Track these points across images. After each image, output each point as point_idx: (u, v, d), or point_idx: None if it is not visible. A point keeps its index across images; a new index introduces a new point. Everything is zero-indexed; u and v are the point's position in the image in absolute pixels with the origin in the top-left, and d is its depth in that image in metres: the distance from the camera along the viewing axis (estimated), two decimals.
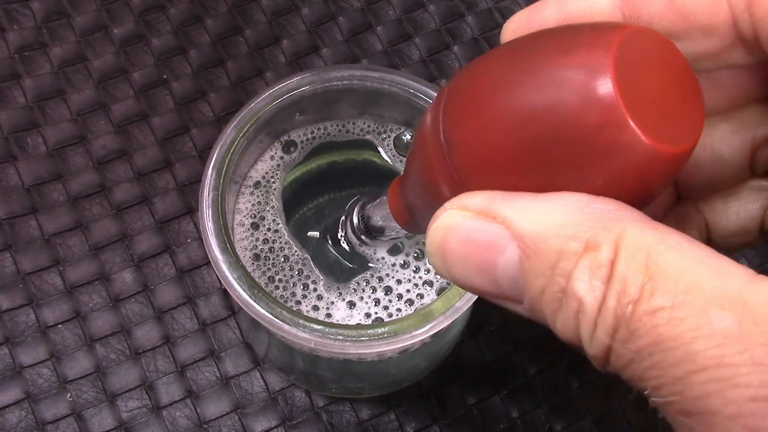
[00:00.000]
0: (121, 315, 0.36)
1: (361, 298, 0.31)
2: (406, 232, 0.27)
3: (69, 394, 0.35)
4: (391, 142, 0.33)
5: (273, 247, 0.32)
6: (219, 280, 0.36)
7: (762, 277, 0.15)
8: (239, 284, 0.27)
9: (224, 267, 0.27)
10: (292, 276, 0.31)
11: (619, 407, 0.37)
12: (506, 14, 0.44)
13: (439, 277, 0.31)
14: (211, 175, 0.29)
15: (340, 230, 0.32)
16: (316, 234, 0.32)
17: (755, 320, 0.15)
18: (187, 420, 0.35)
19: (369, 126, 0.33)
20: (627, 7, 0.20)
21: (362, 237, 0.30)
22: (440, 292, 0.31)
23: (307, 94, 0.30)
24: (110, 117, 0.40)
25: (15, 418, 0.34)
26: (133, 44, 0.41)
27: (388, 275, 0.31)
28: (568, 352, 0.37)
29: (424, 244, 0.32)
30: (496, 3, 0.44)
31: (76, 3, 0.42)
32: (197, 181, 0.39)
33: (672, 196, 0.24)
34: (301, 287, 0.31)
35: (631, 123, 0.16)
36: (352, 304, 0.31)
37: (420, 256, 0.32)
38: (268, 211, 0.32)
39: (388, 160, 0.33)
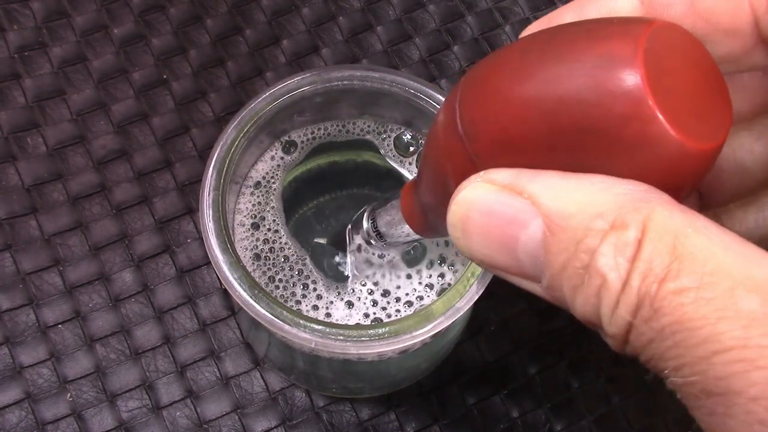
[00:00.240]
0: (121, 315, 0.36)
1: (359, 298, 0.31)
2: (417, 237, 0.27)
3: (69, 394, 0.35)
4: (392, 142, 0.33)
5: (273, 247, 0.32)
6: (219, 280, 0.36)
7: None
8: (240, 284, 0.27)
9: (225, 267, 0.27)
10: (292, 276, 0.31)
11: (619, 407, 0.37)
12: (506, 14, 0.44)
13: (439, 278, 0.31)
14: (212, 176, 0.29)
15: (350, 240, 0.31)
16: (322, 241, 0.32)
17: None
18: (187, 420, 0.35)
19: (369, 126, 0.33)
20: (648, 11, 0.20)
21: (372, 242, 0.30)
22: (440, 293, 0.31)
23: (307, 94, 0.30)
24: (110, 117, 0.40)
25: (15, 418, 0.34)
26: (133, 44, 0.41)
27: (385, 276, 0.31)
28: (568, 352, 0.37)
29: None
30: (496, 3, 0.44)
31: (76, 3, 0.42)
32: (197, 181, 0.39)
33: (696, 206, 0.24)
34: (301, 287, 0.31)
35: (660, 116, 0.16)
36: (350, 304, 0.31)
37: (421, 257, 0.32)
38: (269, 211, 0.32)
39: (389, 160, 0.33)
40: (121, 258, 0.37)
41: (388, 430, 0.36)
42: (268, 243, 0.32)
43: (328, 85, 0.30)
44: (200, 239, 0.38)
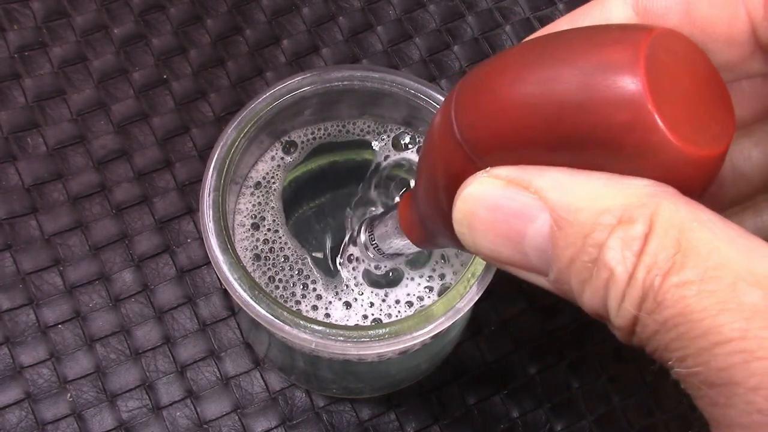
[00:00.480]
0: (121, 315, 0.36)
1: (356, 299, 0.31)
2: (416, 249, 0.27)
3: (69, 394, 0.35)
4: (391, 142, 0.33)
5: (273, 248, 0.32)
6: (219, 280, 0.36)
7: None
8: (240, 285, 0.27)
9: (225, 267, 0.27)
10: (292, 276, 0.31)
11: (619, 407, 0.37)
12: (506, 14, 0.44)
13: (439, 278, 0.31)
14: (212, 176, 0.29)
15: (345, 251, 0.31)
16: (320, 255, 0.32)
17: None
18: (187, 420, 0.35)
19: (369, 126, 0.33)
20: (643, 21, 0.20)
21: (370, 254, 0.30)
22: (440, 294, 0.31)
23: (307, 95, 0.30)
24: (110, 117, 0.40)
25: (15, 418, 0.34)
26: (133, 44, 0.41)
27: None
28: (568, 352, 0.37)
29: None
30: (496, 3, 0.44)
31: (76, 3, 0.42)
32: (197, 181, 0.39)
33: None
34: (301, 287, 0.31)
35: (661, 125, 0.16)
36: (348, 305, 0.31)
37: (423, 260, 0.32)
38: (269, 211, 0.32)
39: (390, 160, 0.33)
40: (121, 258, 0.37)
41: (388, 430, 0.36)
42: (268, 243, 0.32)
43: (328, 85, 0.30)
44: (200, 239, 0.38)
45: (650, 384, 0.37)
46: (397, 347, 0.27)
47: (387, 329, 0.27)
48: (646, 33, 0.16)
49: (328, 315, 0.31)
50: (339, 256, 0.32)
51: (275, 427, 0.35)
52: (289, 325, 0.26)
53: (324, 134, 0.33)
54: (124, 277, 0.37)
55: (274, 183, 0.33)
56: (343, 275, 0.31)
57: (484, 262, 0.27)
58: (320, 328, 0.26)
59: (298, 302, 0.31)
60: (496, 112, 0.18)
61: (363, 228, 0.30)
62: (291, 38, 0.42)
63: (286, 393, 0.36)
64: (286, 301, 0.31)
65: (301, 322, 0.26)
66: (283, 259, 0.31)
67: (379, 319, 0.31)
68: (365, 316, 0.31)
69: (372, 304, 0.31)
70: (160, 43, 0.41)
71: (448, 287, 0.30)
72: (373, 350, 0.26)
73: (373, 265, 0.31)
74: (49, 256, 0.37)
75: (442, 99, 0.30)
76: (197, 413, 0.35)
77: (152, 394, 0.35)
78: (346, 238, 0.32)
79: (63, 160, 0.39)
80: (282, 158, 0.33)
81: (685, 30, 0.19)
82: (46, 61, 0.40)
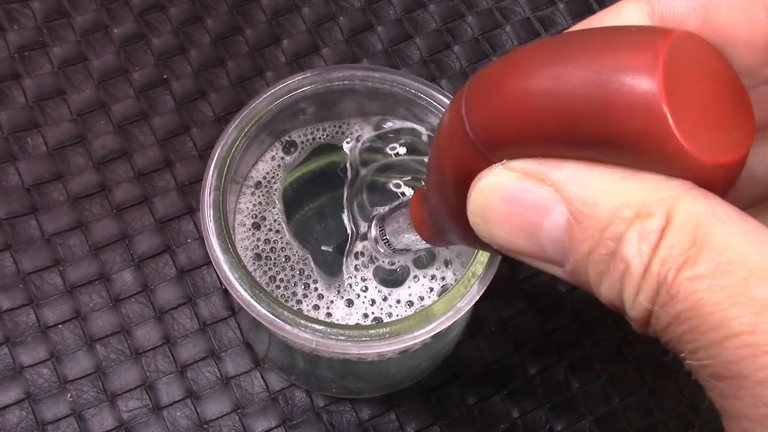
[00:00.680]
0: (122, 315, 0.36)
1: (358, 295, 0.31)
2: (426, 246, 0.27)
3: (69, 394, 0.35)
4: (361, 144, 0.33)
5: (274, 248, 0.32)
6: (219, 280, 0.36)
7: None
8: (240, 285, 0.27)
9: (226, 267, 0.27)
10: (293, 276, 0.31)
11: (619, 407, 0.37)
12: (507, 14, 0.44)
13: (440, 278, 0.31)
14: (213, 176, 0.29)
15: (351, 247, 0.31)
16: (329, 248, 0.32)
17: None
18: (188, 420, 0.35)
19: (363, 128, 0.33)
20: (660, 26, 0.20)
21: (381, 249, 0.30)
22: (441, 293, 0.31)
23: (308, 94, 0.30)
24: (110, 117, 0.40)
25: (15, 418, 0.34)
26: (133, 44, 0.41)
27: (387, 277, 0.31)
28: (568, 352, 0.37)
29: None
30: (496, 3, 0.44)
31: (76, 3, 0.42)
32: (197, 181, 0.39)
33: None
34: (302, 287, 0.31)
35: (677, 134, 0.16)
36: (350, 303, 0.31)
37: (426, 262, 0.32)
38: (269, 211, 0.32)
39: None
40: (122, 258, 0.37)
41: (388, 430, 0.36)
42: (269, 243, 0.32)
43: (329, 85, 0.30)
44: (200, 239, 0.38)
45: (650, 384, 0.37)
46: (398, 347, 0.27)
47: (388, 329, 0.27)
48: (664, 37, 0.16)
49: (329, 314, 0.31)
50: (345, 252, 0.32)
51: (275, 427, 0.35)
52: (290, 325, 0.26)
53: (323, 134, 0.33)
54: (124, 277, 0.37)
55: (274, 183, 0.33)
56: (346, 272, 0.31)
57: (485, 263, 0.27)
58: (321, 327, 0.26)
59: (299, 302, 0.31)
60: (511, 112, 0.18)
61: (374, 223, 0.30)
62: (291, 38, 0.42)
63: (286, 393, 0.36)
64: (287, 301, 0.31)
65: (302, 321, 0.26)
66: (284, 259, 0.31)
67: (380, 318, 0.31)
68: (365, 315, 0.31)
69: (373, 302, 0.31)
70: (160, 43, 0.41)
71: (448, 287, 0.30)
72: (373, 349, 0.26)
73: (387, 261, 0.31)
74: (49, 256, 0.37)
75: (443, 99, 0.30)
76: (197, 413, 0.35)
77: (152, 394, 0.35)
78: (351, 233, 0.32)
79: (63, 160, 0.39)
80: (282, 158, 0.33)
81: (703, 35, 0.19)
82: (46, 61, 0.40)
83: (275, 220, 0.32)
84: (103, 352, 0.36)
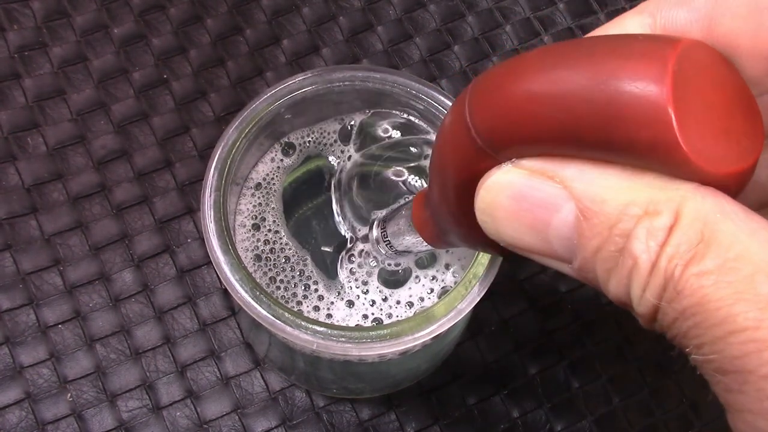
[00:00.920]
0: (122, 315, 0.36)
1: (358, 296, 0.31)
2: (427, 247, 0.27)
3: (69, 394, 0.35)
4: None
5: (274, 248, 0.32)
6: (219, 280, 0.36)
7: None
8: (241, 286, 0.27)
9: (226, 268, 0.27)
10: (293, 277, 0.31)
11: (619, 407, 0.37)
12: (507, 14, 0.44)
13: (440, 281, 0.31)
14: (213, 176, 0.29)
15: (351, 248, 0.31)
16: (329, 249, 0.32)
17: None
18: (188, 420, 0.35)
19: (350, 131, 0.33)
20: None
21: (382, 250, 0.30)
22: (441, 295, 0.31)
23: (308, 95, 0.30)
24: (110, 117, 0.40)
25: (15, 418, 0.34)
26: (133, 44, 0.41)
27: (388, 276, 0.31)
28: (568, 352, 0.38)
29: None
30: (496, 3, 0.44)
31: (76, 3, 0.42)
32: (197, 181, 0.39)
33: None
34: (302, 288, 0.31)
35: (684, 147, 0.16)
36: (351, 304, 0.31)
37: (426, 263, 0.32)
38: (269, 212, 0.32)
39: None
40: (121, 258, 0.37)
41: (388, 430, 0.36)
42: (269, 244, 0.32)
43: (329, 85, 0.30)
44: (200, 239, 0.38)
45: (650, 384, 0.37)
46: (398, 348, 0.27)
47: (388, 330, 0.27)
48: (673, 46, 0.16)
49: (329, 315, 0.31)
50: (345, 252, 0.32)
51: (275, 427, 0.35)
52: (291, 326, 0.26)
53: (320, 137, 0.33)
54: (124, 277, 0.37)
55: (274, 184, 0.33)
56: (346, 272, 0.31)
57: (486, 264, 0.27)
58: (322, 329, 0.26)
59: (299, 303, 0.31)
60: (517, 117, 0.18)
61: (376, 224, 0.30)
62: (291, 38, 0.42)
63: (287, 393, 0.36)
64: (287, 302, 0.31)
65: (303, 323, 0.26)
66: (284, 260, 0.31)
67: (380, 319, 0.31)
68: (365, 316, 0.31)
69: (373, 303, 0.31)
70: (160, 43, 0.41)
71: (449, 289, 0.30)
72: (374, 351, 0.26)
73: (386, 262, 0.31)
74: (49, 256, 0.37)
75: (444, 99, 0.30)
76: (197, 413, 0.35)
77: (152, 394, 0.35)
78: (349, 236, 0.32)
79: (63, 160, 0.39)
80: (281, 160, 0.33)
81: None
82: (46, 61, 0.40)
83: (275, 221, 0.32)
84: (103, 352, 0.36)
